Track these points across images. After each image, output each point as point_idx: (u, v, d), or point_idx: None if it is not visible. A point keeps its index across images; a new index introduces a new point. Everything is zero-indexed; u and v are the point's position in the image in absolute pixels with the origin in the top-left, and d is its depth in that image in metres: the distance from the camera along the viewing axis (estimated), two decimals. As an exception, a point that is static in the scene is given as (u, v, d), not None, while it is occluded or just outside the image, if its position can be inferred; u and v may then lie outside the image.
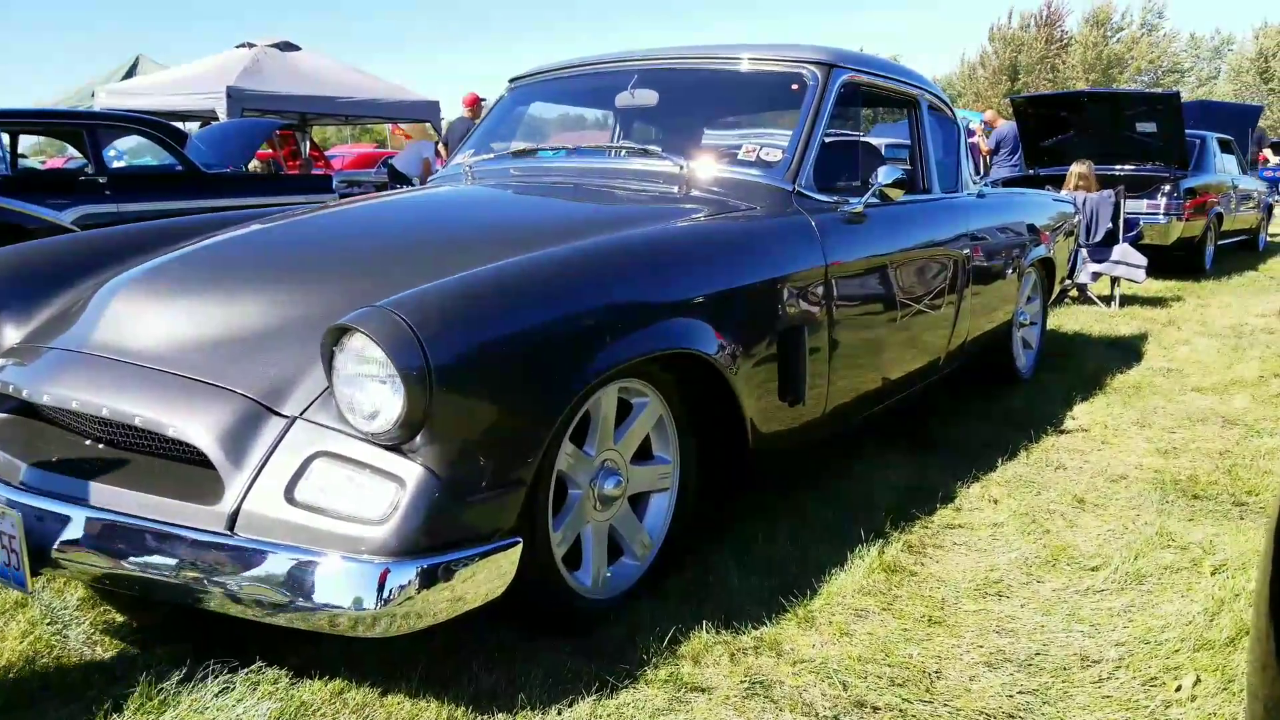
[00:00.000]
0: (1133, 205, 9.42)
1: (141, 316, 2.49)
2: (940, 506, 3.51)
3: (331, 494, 2.07)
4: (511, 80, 4.51)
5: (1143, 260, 8.32)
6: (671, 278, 2.69)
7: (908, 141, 4.49)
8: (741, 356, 2.85)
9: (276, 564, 2.00)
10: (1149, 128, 10.81)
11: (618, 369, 2.42)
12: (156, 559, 2.08)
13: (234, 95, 13.69)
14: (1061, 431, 4.52)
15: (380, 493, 2.05)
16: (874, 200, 3.67)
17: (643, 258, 2.67)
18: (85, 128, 9.44)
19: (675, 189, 3.43)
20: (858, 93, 3.91)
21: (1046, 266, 5.67)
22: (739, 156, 3.55)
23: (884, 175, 3.64)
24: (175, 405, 2.25)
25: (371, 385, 2.06)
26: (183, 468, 2.25)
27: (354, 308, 2.10)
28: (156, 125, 9.89)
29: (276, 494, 2.09)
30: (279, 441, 2.15)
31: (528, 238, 2.74)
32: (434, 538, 2.03)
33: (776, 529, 3.21)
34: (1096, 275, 8.40)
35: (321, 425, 2.16)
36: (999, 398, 5.10)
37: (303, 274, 2.59)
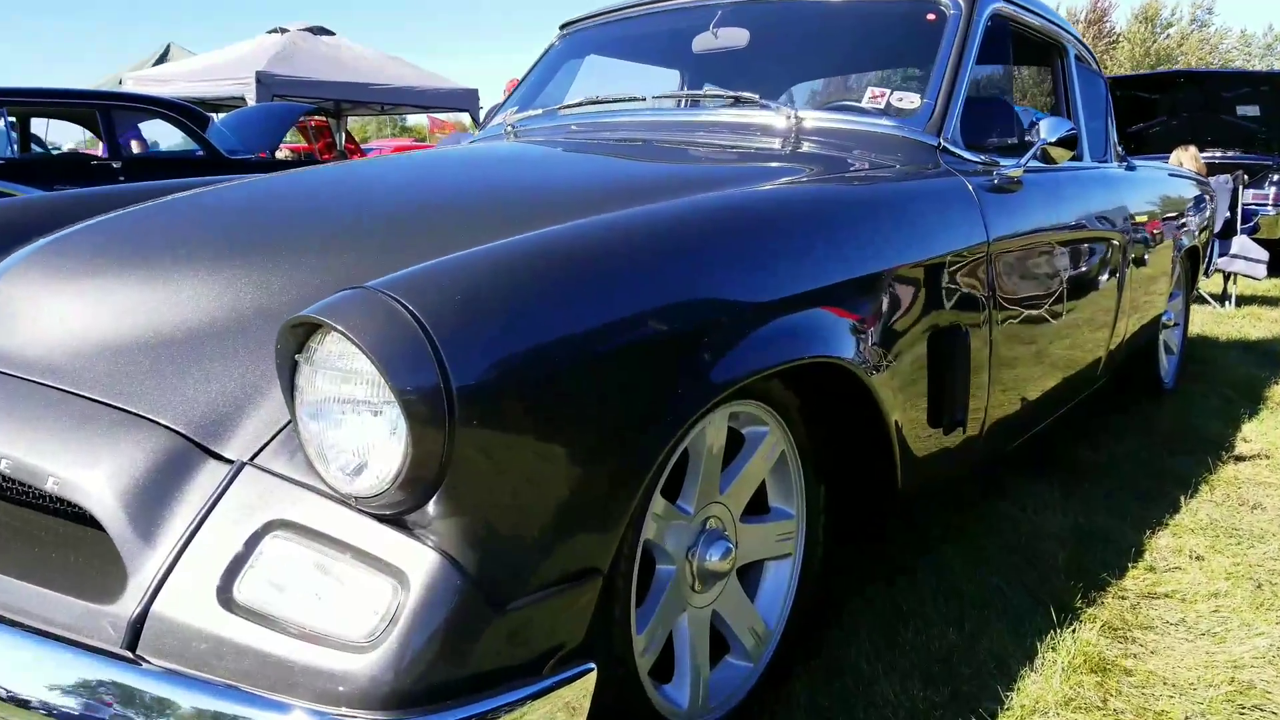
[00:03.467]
0: (1240, 194, 8.45)
1: (31, 309, 1.70)
2: (1129, 564, 2.66)
3: (292, 594, 1.28)
4: (562, 26, 3.70)
5: (1264, 254, 7.38)
6: (798, 255, 1.87)
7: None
8: (888, 366, 2.03)
9: (194, 717, 1.21)
10: (1251, 111, 9.82)
11: (731, 387, 1.61)
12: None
13: (264, 81, 13.02)
14: (1238, 458, 3.65)
15: (369, 595, 1.25)
16: (1034, 163, 2.83)
17: (758, 225, 1.85)
18: (98, 109, 8.79)
19: (778, 144, 2.60)
20: (1006, 30, 3.07)
21: (1192, 258, 4.78)
22: (863, 104, 2.71)
23: (1048, 130, 2.80)
24: (64, 442, 1.46)
25: (355, 418, 1.26)
26: (80, 537, 1.46)
27: (332, 293, 1.30)
28: (175, 108, 9.20)
29: (205, 591, 1.29)
30: (215, 502, 1.35)
31: (590, 200, 1.94)
32: (457, 670, 1.24)
33: (924, 600, 2.37)
34: (1211, 270, 7.46)
35: (280, 477, 1.36)
36: (1140, 412, 4.23)
37: (265, 248, 1.77)
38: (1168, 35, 48.02)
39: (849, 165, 2.45)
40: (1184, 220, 4.48)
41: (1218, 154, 9.73)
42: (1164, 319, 4.43)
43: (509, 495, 1.29)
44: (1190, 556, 2.73)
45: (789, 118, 2.65)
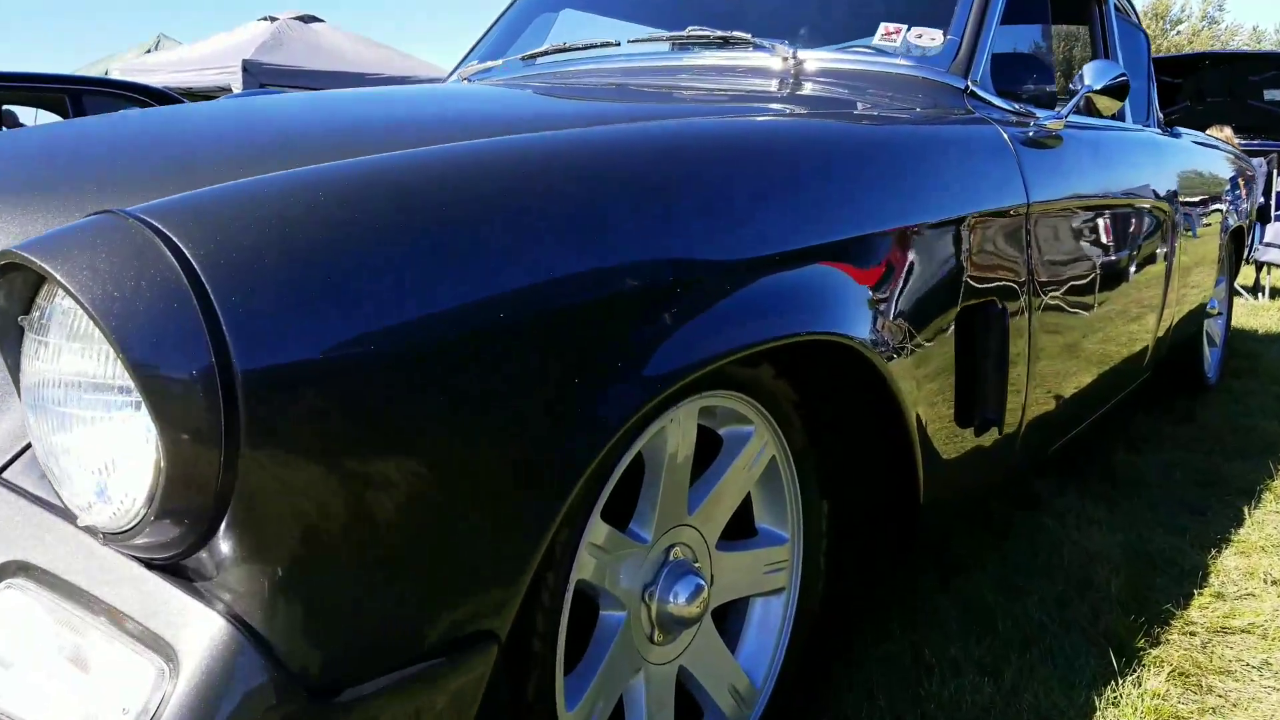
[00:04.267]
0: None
1: None
2: (1194, 590, 2.21)
3: (18, 674, 0.84)
4: (533, -27, 3.27)
5: (1299, 243, 6.92)
6: (790, 198, 1.42)
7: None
8: (908, 350, 1.59)
9: None
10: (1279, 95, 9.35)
11: (698, 372, 1.17)
12: None
13: (250, 70, 12.61)
14: (1301, 463, 3.19)
15: (120, 682, 0.81)
16: (1074, 118, 2.39)
17: (735, 156, 1.39)
18: (68, 93, 8.36)
19: (774, 85, 2.16)
20: (1039, -38, 2.63)
21: (1236, 240, 4.33)
22: (875, 43, 2.27)
23: (1094, 75, 2.36)
24: None
25: (88, 413, 0.82)
26: None
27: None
28: (151, 94, 8.79)
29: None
30: (-73, 536, 0.92)
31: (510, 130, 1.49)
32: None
33: (951, 642, 1.93)
34: (1250, 256, 7.00)
35: (31, 499, 0.93)
36: (1183, 412, 3.77)
37: (40, 185, 1.29)
38: (1178, 31, 47.52)
39: (858, 107, 2.01)
40: (1229, 197, 4.03)
41: (1240, 141, 9.25)
42: (1210, 307, 3.98)
43: (338, 532, 0.84)
44: (1265, 580, 2.28)
45: (786, 59, 2.21)
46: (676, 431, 1.30)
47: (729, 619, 1.56)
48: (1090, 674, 1.83)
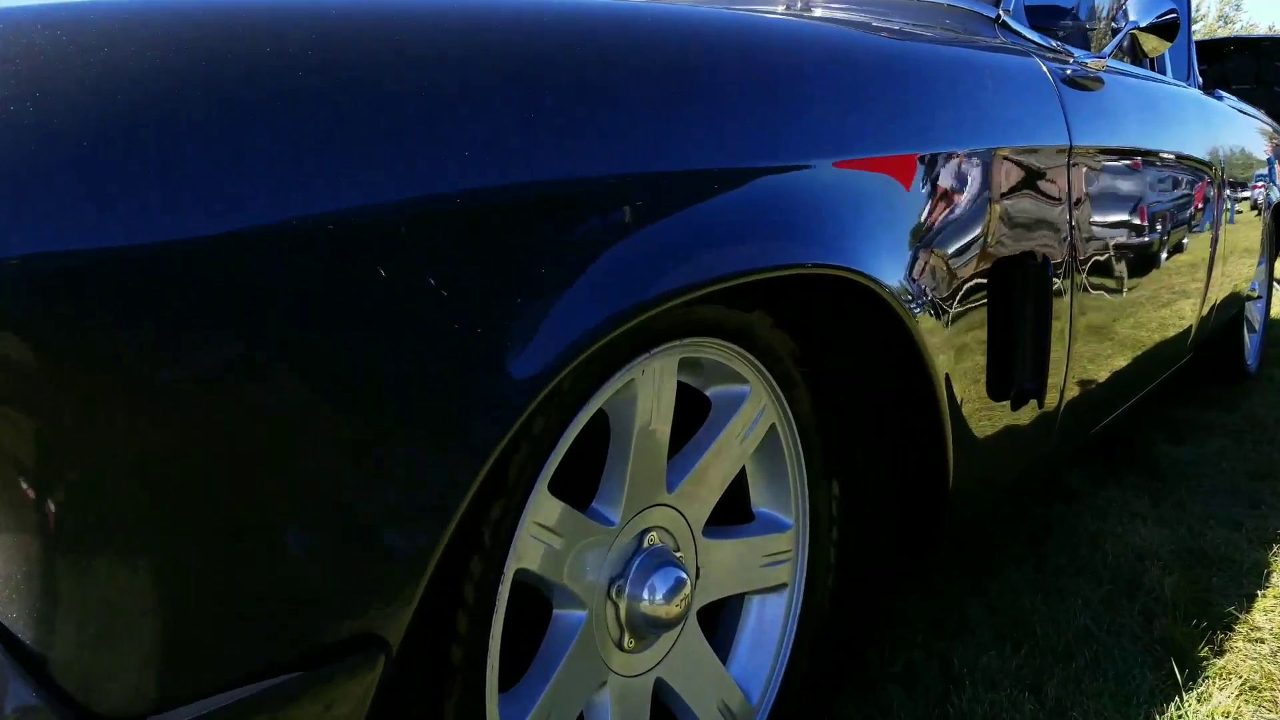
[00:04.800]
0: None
1: None
2: (1257, 591, 1.94)
3: None
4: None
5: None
6: (784, 98, 1.15)
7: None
8: (937, 301, 1.33)
9: None
10: (1305, 83, 9.04)
11: (661, 307, 0.91)
12: None
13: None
14: (1360, 456, 2.91)
15: None
16: (1114, 63, 2.13)
17: (716, 43, 1.12)
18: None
19: (780, 7, 1.90)
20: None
21: (1277, 219, 4.04)
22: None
23: (1140, 9, 2.09)
24: None
25: None
26: None
27: None
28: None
29: None
30: None
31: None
32: None
33: (984, 650, 1.66)
34: None
35: None
36: (1223, 401, 3.49)
37: None
38: (1196, 30, 47.14)
39: (874, 24, 1.74)
40: (1270, 171, 3.75)
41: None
42: (1251, 289, 3.70)
43: (139, 506, 0.58)
44: (1340, 583, 2.00)
45: (791, -12, 1.95)
46: (649, 387, 1.04)
47: (719, 622, 1.30)
48: (1147, 688, 1.56)
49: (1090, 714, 1.47)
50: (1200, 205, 2.61)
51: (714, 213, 0.95)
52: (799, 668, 1.32)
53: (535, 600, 1.04)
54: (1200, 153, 2.65)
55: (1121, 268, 2.06)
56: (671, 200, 0.91)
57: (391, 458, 0.70)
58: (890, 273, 1.22)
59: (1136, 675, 1.59)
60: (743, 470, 1.26)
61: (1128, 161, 2.08)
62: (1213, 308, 2.90)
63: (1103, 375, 2.02)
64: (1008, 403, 1.60)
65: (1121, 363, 2.14)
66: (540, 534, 0.95)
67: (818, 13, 1.86)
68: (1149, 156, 2.22)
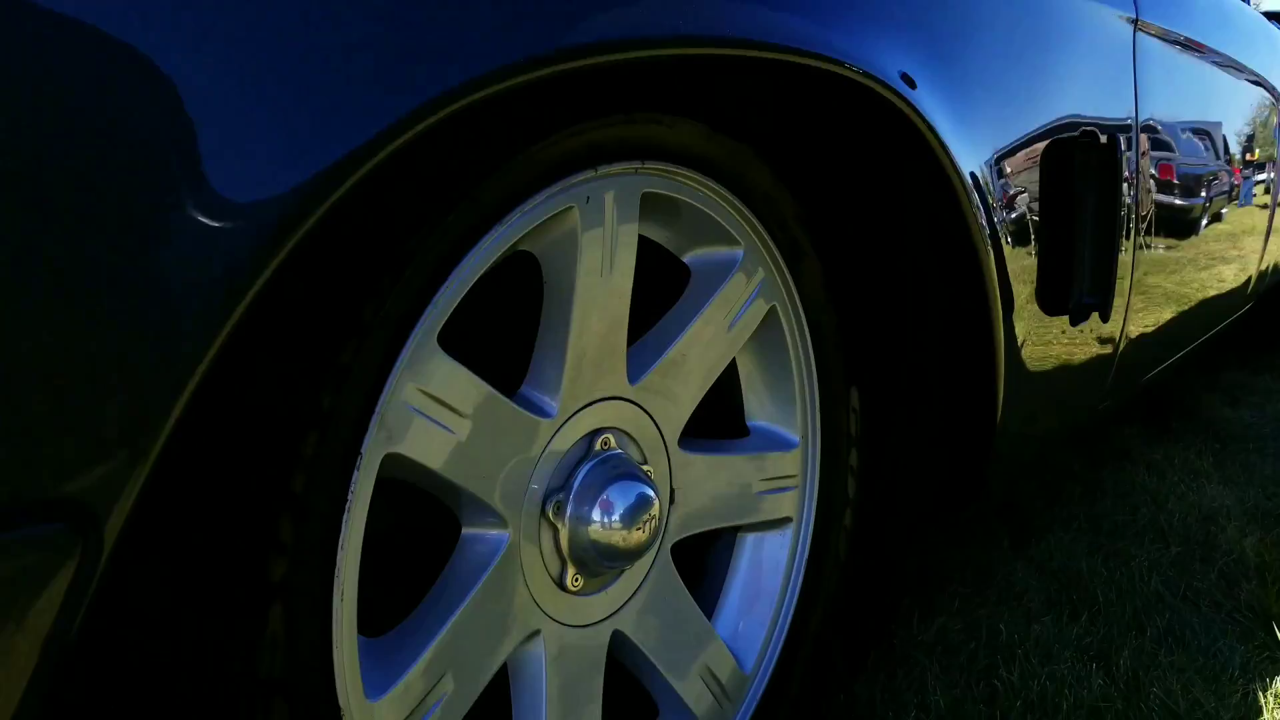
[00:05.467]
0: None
1: None
2: (1356, 559, 1.63)
3: None
4: None
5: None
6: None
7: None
8: (988, 167, 1.03)
9: None
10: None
11: (564, 64, 0.63)
12: None
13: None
14: None
15: None
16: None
17: None
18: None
19: None
20: None
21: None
22: None
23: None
24: None
25: None
26: None
27: None
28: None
29: None
30: None
31: None
32: None
33: (1032, 614, 1.37)
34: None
35: None
36: (1275, 366, 3.17)
37: None
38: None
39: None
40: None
41: None
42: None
43: None
44: None
45: None
46: (596, 223, 0.76)
47: (705, 569, 1.01)
48: (1238, 660, 1.26)
49: (1174, 691, 1.17)
50: (1260, 140, 2.31)
51: None
52: (808, 627, 1.03)
53: (440, 517, 0.75)
54: (1266, 80, 2.34)
55: (1187, 182, 1.76)
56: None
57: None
58: (942, 115, 0.93)
59: (1223, 647, 1.30)
60: (736, 374, 0.98)
61: (1196, 55, 1.78)
62: (1273, 263, 2.60)
63: (1166, 312, 1.72)
64: (1064, 321, 1.30)
65: (1184, 304, 1.84)
66: (428, 407, 0.66)
67: None
68: (1218, 59, 1.92)
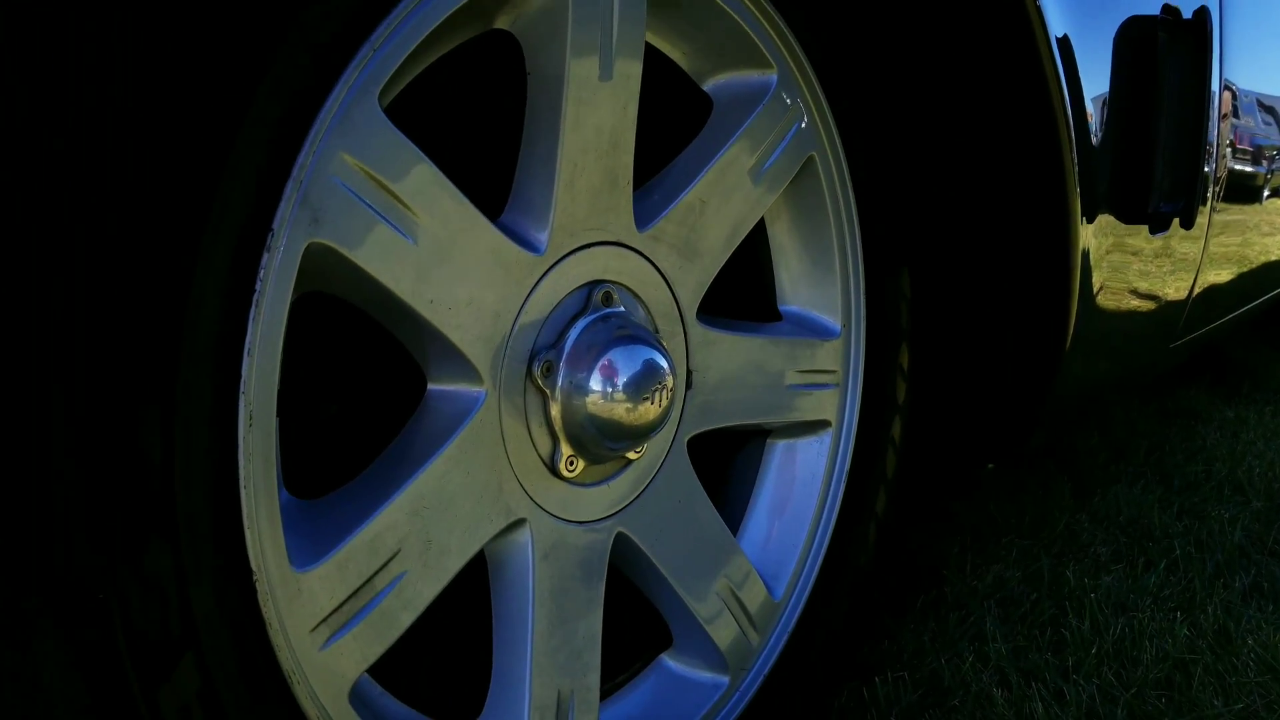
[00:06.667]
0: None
1: None
2: None
3: None
4: None
5: None
6: None
7: None
8: (1076, 31, 0.87)
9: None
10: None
11: None
12: None
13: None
14: None
15: None
16: None
17: None
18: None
19: None
20: None
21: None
22: None
23: None
24: None
25: None
26: None
27: None
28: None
29: None
30: None
31: None
32: None
33: (1100, 564, 1.20)
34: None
35: None
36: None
37: None
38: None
39: None
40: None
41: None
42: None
43: None
44: None
45: None
46: (590, 6, 0.60)
47: (728, 476, 0.86)
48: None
49: (1271, 643, 1.00)
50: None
51: None
52: (849, 554, 0.87)
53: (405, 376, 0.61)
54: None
55: (1266, 132, 1.59)
56: None
57: None
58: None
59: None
60: (766, 244, 0.82)
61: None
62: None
63: (1245, 247, 1.55)
64: (1144, 232, 1.14)
65: (1256, 254, 1.67)
66: (368, 191, 0.51)
67: None
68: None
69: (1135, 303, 1.22)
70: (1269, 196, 1.66)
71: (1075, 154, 0.90)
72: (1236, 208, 1.48)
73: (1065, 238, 0.92)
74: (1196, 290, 1.39)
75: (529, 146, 0.62)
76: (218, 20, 0.42)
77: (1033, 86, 0.85)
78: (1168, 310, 1.33)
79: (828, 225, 0.82)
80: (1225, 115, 1.37)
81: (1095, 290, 1.02)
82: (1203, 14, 1.13)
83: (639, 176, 0.68)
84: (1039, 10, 0.79)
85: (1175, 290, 1.31)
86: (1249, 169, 1.51)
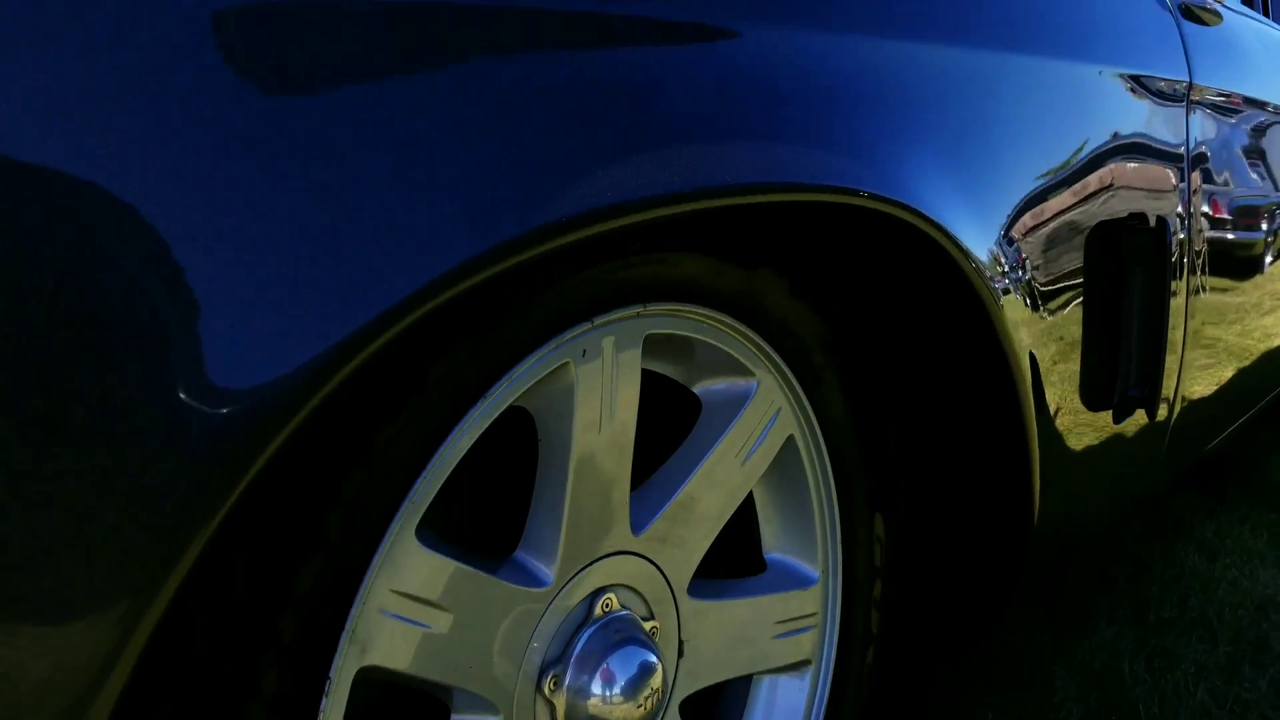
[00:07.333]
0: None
1: None
2: None
3: None
4: None
5: None
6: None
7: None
8: (1024, 276, 0.95)
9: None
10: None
11: (592, 229, 0.57)
12: None
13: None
14: None
15: None
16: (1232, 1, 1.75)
17: None
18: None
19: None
20: None
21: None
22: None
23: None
24: None
25: None
26: None
27: None
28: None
29: None
30: None
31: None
32: None
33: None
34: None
35: None
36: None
37: None
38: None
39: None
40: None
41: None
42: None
43: None
44: None
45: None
46: (594, 374, 0.69)
47: (715, 715, 0.93)
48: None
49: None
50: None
51: (688, 81, 0.59)
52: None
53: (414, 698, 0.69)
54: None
55: (1249, 244, 1.67)
56: (606, 57, 0.56)
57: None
58: (966, 226, 0.85)
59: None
60: (751, 502, 0.90)
61: (1255, 115, 1.68)
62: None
63: (1224, 377, 1.63)
64: (1108, 415, 1.22)
65: (1245, 363, 1.74)
66: (405, 608, 0.60)
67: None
68: (1273, 105, 1.82)
69: (1104, 467, 1.29)
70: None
71: (1031, 384, 0.98)
72: (1210, 359, 1.56)
73: (1024, 443, 0.99)
74: (1168, 441, 1.47)
75: (539, 497, 0.70)
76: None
77: (983, 344, 0.93)
78: (1138, 469, 1.41)
79: (806, 487, 0.90)
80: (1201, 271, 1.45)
81: (1060, 464, 1.10)
82: (1162, 224, 1.21)
83: (635, 469, 0.76)
84: (1002, 320, 0.87)
85: (1145, 449, 1.39)
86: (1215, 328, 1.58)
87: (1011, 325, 0.91)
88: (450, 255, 0.48)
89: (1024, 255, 0.96)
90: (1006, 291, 0.90)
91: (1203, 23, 1.54)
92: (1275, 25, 2.18)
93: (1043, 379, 1.01)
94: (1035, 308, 0.99)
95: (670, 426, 0.83)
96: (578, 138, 0.52)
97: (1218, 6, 1.61)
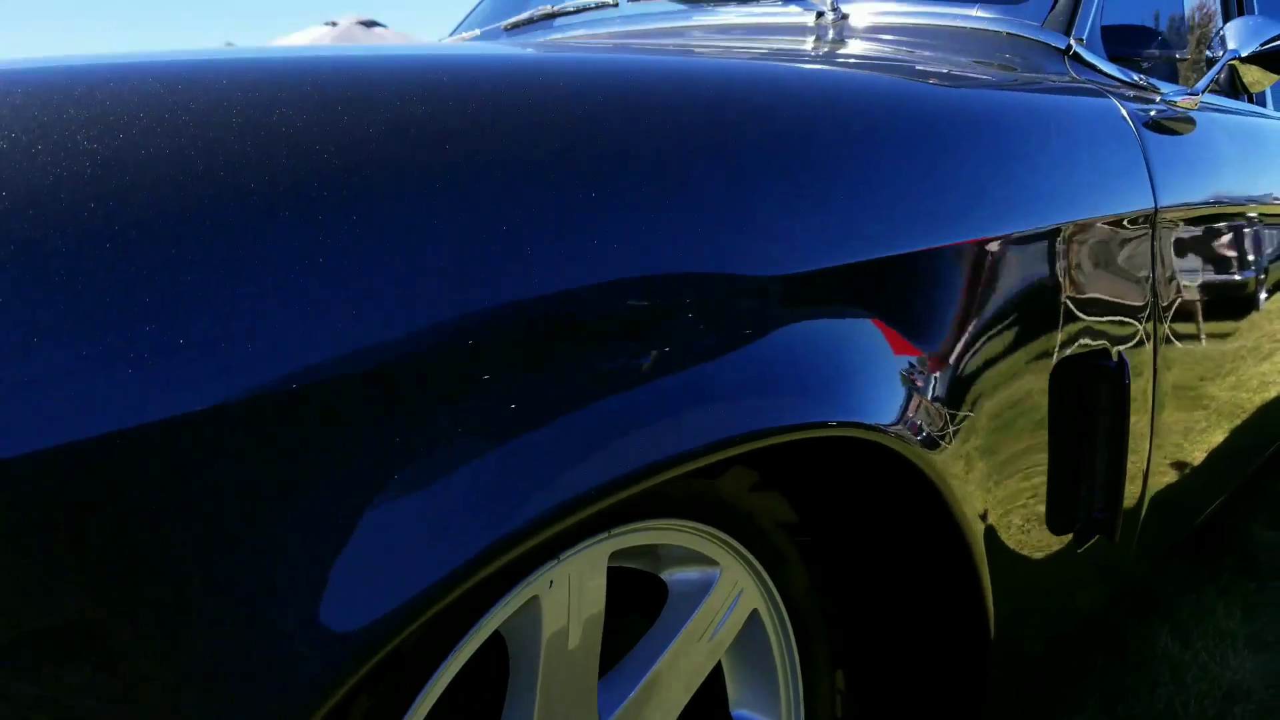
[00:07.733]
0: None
1: None
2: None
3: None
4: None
5: None
6: (788, 194, 0.84)
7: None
8: (972, 430, 1.01)
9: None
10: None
11: (593, 507, 0.62)
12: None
13: (306, 72, 12.38)
14: None
15: None
16: (1209, 97, 1.80)
17: (689, 121, 0.82)
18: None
19: (808, 44, 1.60)
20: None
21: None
22: (943, -12, 1.68)
23: (1240, 36, 1.77)
24: None
25: None
26: None
27: None
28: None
29: None
30: None
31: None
32: None
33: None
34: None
35: None
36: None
37: None
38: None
39: (917, 69, 1.43)
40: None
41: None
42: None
43: None
44: None
45: (824, 12, 1.65)
46: (560, 599, 0.75)
47: None
48: None
49: None
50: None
51: (698, 359, 0.66)
52: None
53: None
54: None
55: (1216, 349, 1.71)
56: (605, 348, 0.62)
57: None
58: (912, 412, 0.91)
59: None
60: (717, 671, 0.96)
61: (1226, 220, 1.73)
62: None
63: (1191, 479, 1.68)
64: (1073, 536, 1.28)
65: (1214, 456, 1.79)
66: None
67: (854, 46, 1.55)
68: (1255, 213, 1.87)
69: (1067, 583, 1.35)
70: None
71: (980, 534, 1.04)
72: (1175, 462, 1.61)
73: (972, 577, 1.04)
74: (1135, 546, 1.52)
75: (511, 702, 0.76)
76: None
77: (933, 511, 0.98)
78: (1104, 572, 1.46)
79: (770, 652, 0.96)
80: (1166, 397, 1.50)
81: (1019, 590, 1.15)
82: (1120, 366, 1.26)
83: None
84: (952, 495, 0.93)
85: (1109, 557, 1.44)
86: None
87: (962, 498, 0.97)
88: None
89: (973, 429, 1.02)
90: (957, 476, 0.96)
91: (1174, 133, 1.60)
92: (1262, 112, 2.22)
93: (996, 529, 1.07)
94: (985, 479, 1.04)
95: (637, 603, 0.89)
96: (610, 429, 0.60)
97: (1192, 114, 1.66)
